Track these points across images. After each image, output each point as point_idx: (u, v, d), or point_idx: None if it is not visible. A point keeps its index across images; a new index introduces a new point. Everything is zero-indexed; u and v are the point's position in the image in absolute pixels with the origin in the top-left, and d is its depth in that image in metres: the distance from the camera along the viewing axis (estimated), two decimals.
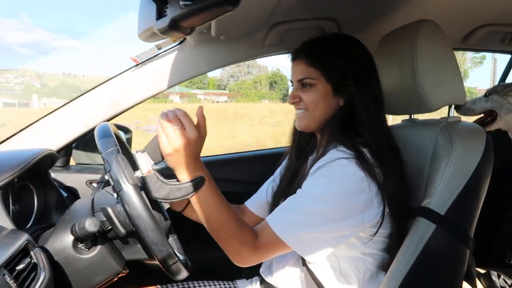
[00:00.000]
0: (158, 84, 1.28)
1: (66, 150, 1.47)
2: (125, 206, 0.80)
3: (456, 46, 1.57)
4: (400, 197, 0.95)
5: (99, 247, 0.91)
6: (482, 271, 1.75)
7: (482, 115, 1.72)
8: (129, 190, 0.80)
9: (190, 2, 0.52)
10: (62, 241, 0.90)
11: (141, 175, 0.85)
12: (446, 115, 1.10)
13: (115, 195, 0.83)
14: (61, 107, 1.34)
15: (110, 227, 0.87)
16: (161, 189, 0.84)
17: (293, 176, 1.12)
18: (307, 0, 1.09)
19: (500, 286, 1.70)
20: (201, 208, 0.88)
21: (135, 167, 0.87)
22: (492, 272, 1.76)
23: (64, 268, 0.89)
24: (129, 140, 1.66)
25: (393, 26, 1.15)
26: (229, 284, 1.25)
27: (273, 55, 1.40)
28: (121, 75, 1.31)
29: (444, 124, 1.05)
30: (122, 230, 0.87)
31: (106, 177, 0.85)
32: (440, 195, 0.94)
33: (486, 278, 1.75)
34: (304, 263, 1.01)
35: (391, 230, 0.97)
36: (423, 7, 1.20)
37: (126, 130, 1.67)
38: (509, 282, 1.73)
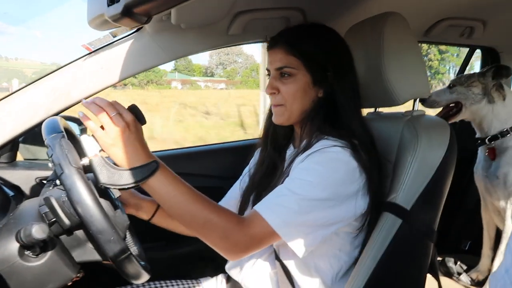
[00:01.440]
0: (113, 75, 1.19)
1: (13, 145, 1.35)
2: (67, 191, 0.72)
3: (419, 39, 1.59)
4: (379, 190, 0.95)
5: (49, 252, 0.83)
6: (439, 258, 1.82)
7: (447, 106, 1.76)
8: (71, 172, 0.73)
9: None
10: (6, 249, 0.81)
11: (87, 161, 0.77)
12: (411, 108, 1.11)
13: (57, 181, 0.76)
14: (5, 97, 1.22)
15: (54, 219, 0.79)
16: (110, 174, 0.76)
17: (268, 170, 1.08)
18: None
19: (457, 272, 1.77)
20: (162, 197, 0.80)
21: (81, 152, 0.80)
22: (448, 258, 1.83)
23: (9, 279, 0.80)
24: (83, 131, 1.56)
25: (359, 18, 1.14)
26: (193, 283, 1.20)
27: (237, 44, 1.35)
28: (73, 63, 1.20)
29: (409, 118, 1.05)
30: (67, 221, 0.79)
31: (50, 165, 0.78)
32: (407, 190, 0.94)
33: (443, 265, 1.82)
34: (278, 258, 0.98)
35: (365, 223, 0.95)
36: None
37: (80, 122, 1.56)
38: (464, 267, 1.81)
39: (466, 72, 1.91)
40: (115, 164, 0.78)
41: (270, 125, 1.09)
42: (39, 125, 1.20)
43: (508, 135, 1.59)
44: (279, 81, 0.98)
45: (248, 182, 1.13)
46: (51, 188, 0.94)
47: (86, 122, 0.80)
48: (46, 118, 1.18)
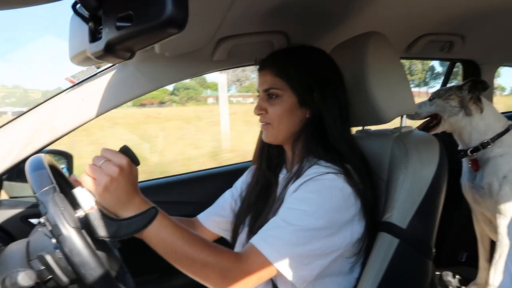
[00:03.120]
0: (99, 106, 1.17)
1: None
2: (67, 253, 0.70)
3: (400, 55, 1.61)
4: (375, 210, 0.95)
5: None
6: (437, 272, 1.80)
7: (428, 118, 1.79)
8: (70, 234, 0.70)
9: (128, 23, 0.45)
10: None
11: (83, 214, 0.74)
12: (398, 124, 1.12)
13: (53, 240, 0.73)
14: None
15: (50, 276, 0.76)
16: (108, 226, 0.73)
17: (263, 190, 1.07)
18: (254, 13, 1.05)
19: (456, 286, 1.75)
20: (160, 244, 0.77)
21: (75, 203, 0.77)
22: (446, 272, 1.81)
23: None
24: (70, 163, 1.52)
25: (341, 38, 1.16)
26: None
27: (223, 69, 1.35)
28: (56, 97, 1.18)
29: (397, 134, 1.06)
30: (65, 279, 0.76)
31: (42, 220, 0.74)
32: (401, 208, 0.93)
33: (441, 280, 1.80)
34: (275, 286, 0.95)
35: (362, 247, 0.94)
36: (369, 18, 1.21)
37: (66, 155, 1.53)
38: (462, 280, 1.79)
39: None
40: (111, 213, 0.75)
41: (264, 144, 1.09)
42: (23, 161, 1.17)
43: (489, 146, 1.61)
44: (267, 102, 0.99)
45: (243, 203, 1.12)
46: (38, 229, 0.90)
47: (81, 177, 0.76)
48: (31, 155, 1.15)
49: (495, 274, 1.55)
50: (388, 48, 1.05)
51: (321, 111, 0.97)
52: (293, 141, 1.00)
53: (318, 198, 0.86)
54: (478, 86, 1.64)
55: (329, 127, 0.96)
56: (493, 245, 1.70)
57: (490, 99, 1.82)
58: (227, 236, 1.17)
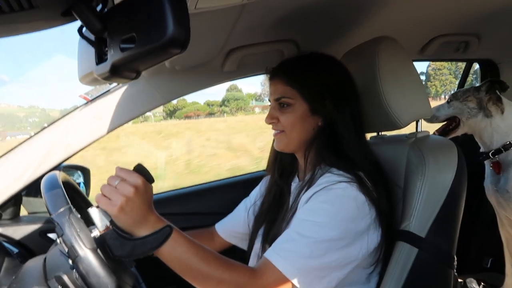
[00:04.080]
0: (112, 121, 1.19)
1: (15, 199, 1.33)
2: (84, 274, 0.71)
3: (413, 58, 1.59)
4: (391, 218, 0.93)
5: None
6: (460, 280, 1.74)
7: (446, 122, 1.75)
8: (87, 255, 0.71)
9: (132, 45, 0.45)
10: None
11: (98, 234, 0.75)
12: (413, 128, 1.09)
13: (70, 261, 0.73)
14: (5, 153, 1.22)
15: None
16: (124, 246, 0.73)
17: (275, 198, 1.07)
18: (262, 23, 1.05)
19: None
20: (175, 261, 0.77)
21: (90, 222, 0.78)
22: (470, 279, 1.76)
23: None
24: (87, 177, 1.54)
25: (352, 44, 1.14)
26: None
27: (234, 80, 1.35)
28: (71, 114, 1.20)
29: (413, 140, 1.03)
30: None
31: (59, 241, 0.75)
32: (419, 216, 0.91)
33: (465, 287, 1.75)
34: None
35: (380, 257, 0.92)
36: (380, 23, 1.19)
37: (83, 169, 1.55)
38: (488, 287, 1.73)
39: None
40: (126, 233, 0.75)
41: (276, 153, 1.09)
42: (41, 178, 1.19)
43: None
44: (278, 111, 0.99)
45: (257, 212, 1.11)
46: (57, 247, 0.91)
47: (96, 197, 0.77)
48: (48, 171, 1.17)
49: None
50: (399, 52, 1.03)
51: (333, 119, 0.95)
52: (305, 149, 0.99)
53: (331, 208, 0.84)
54: (496, 86, 1.60)
55: (342, 135, 0.94)
56: None
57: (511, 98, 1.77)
58: (243, 246, 1.17)
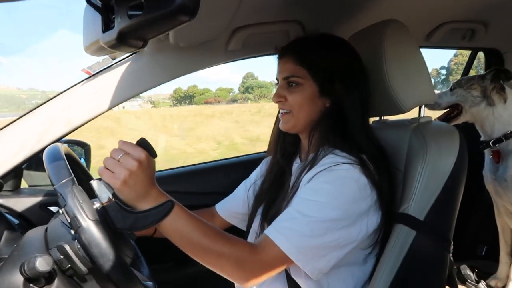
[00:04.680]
0: (115, 96, 1.18)
1: (16, 172, 1.34)
2: (86, 245, 0.71)
3: (419, 44, 1.57)
4: (391, 202, 0.93)
5: (55, 283, 0.81)
6: (454, 266, 1.77)
7: (448, 109, 1.75)
8: (89, 226, 0.72)
9: (139, 12, 0.44)
10: (10, 283, 0.78)
11: (100, 205, 0.75)
12: (415, 114, 1.09)
13: (72, 231, 0.74)
14: (6, 125, 1.21)
15: (68, 265, 0.78)
16: (126, 219, 0.74)
17: (276, 178, 1.07)
18: (269, 2, 1.04)
19: (475, 280, 1.72)
20: (176, 235, 0.78)
21: (92, 192, 0.78)
22: (464, 266, 1.78)
23: None
24: (87, 153, 1.55)
25: (358, 27, 1.13)
26: None
27: (238, 60, 1.34)
28: (72, 88, 1.20)
29: (416, 125, 1.03)
30: (84, 269, 0.77)
31: (61, 211, 0.76)
32: (418, 199, 0.91)
33: (459, 273, 1.77)
34: (289, 277, 0.95)
35: (378, 239, 0.93)
36: (387, 6, 1.18)
37: (83, 145, 1.55)
38: (481, 275, 1.76)
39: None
40: (128, 206, 0.76)
41: (279, 133, 1.08)
42: (41, 151, 1.19)
43: None
44: (286, 90, 0.98)
45: (257, 192, 1.12)
46: (58, 218, 0.92)
47: (99, 170, 0.77)
48: (48, 144, 1.17)
49: None
50: (406, 37, 1.02)
51: (342, 101, 0.95)
52: (310, 130, 0.99)
53: (333, 189, 0.84)
54: (501, 75, 1.59)
55: (349, 117, 0.94)
56: None
57: None
58: (243, 226, 1.18)
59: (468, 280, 1.73)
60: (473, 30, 1.52)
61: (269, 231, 0.84)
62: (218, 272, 0.81)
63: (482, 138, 1.70)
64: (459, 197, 0.96)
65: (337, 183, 0.85)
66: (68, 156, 1.00)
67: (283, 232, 0.82)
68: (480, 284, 1.70)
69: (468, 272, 1.75)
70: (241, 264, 0.79)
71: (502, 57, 1.82)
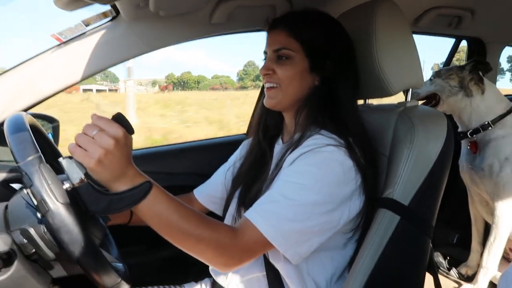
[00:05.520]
0: (88, 67, 1.10)
1: None
2: (55, 230, 0.65)
3: None
4: (375, 187, 0.91)
5: (15, 265, 0.74)
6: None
7: (424, 100, 1.75)
8: (59, 210, 0.65)
9: None
10: None
11: (71, 187, 0.68)
12: (398, 100, 1.07)
13: (39, 214, 0.67)
14: None
15: (33, 250, 0.71)
16: (99, 201, 0.67)
17: (256, 159, 1.04)
18: None
19: (447, 268, 1.75)
20: (154, 218, 0.72)
21: (60, 170, 0.71)
22: (437, 253, 1.81)
23: None
24: (56, 131, 1.45)
25: (348, 5, 1.09)
26: None
27: (221, 34, 1.27)
28: (40, 55, 1.10)
29: (402, 109, 1.01)
30: (51, 254, 0.71)
31: (26, 191, 0.69)
32: (404, 185, 0.89)
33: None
34: (267, 262, 0.92)
35: (360, 223, 0.91)
36: None
37: (51, 120, 1.45)
38: (453, 261, 1.79)
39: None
40: (102, 187, 0.69)
41: (262, 113, 1.05)
42: (3, 124, 1.10)
43: (490, 128, 1.58)
44: (276, 63, 0.94)
45: (236, 174, 1.09)
46: (21, 197, 0.84)
47: (69, 146, 0.69)
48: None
49: (489, 256, 1.54)
50: (398, 17, 0.99)
51: (332, 80, 0.92)
52: (297, 109, 0.95)
53: (317, 171, 0.81)
54: (479, 67, 1.60)
55: (339, 97, 0.92)
56: (486, 228, 1.70)
57: (493, 80, 1.78)
58: (221, 212, 1.14)
59: (440, 267, 1.76)
60: (460, 18, 1.51)
61: (250, 214, 0.80)
62: (197, 257, 0.77)
63: (460, 129, 1.72)
64: (443, 183, 0.95)
65: (321, 165, 0.82)
66: (34, 128, 0.92)
67: (264, 215, 0.79)
68: (451, 271, 1.73)
69: (441, 259, 1.78)
70: (221, 249, 0.75)
71: (485, 47, 1.83)
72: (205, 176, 1.21)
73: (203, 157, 1.56)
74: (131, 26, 1.10)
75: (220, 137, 1.75)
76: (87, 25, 1.09)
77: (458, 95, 1.64)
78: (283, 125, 1.05)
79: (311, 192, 0.80)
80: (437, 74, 1.72)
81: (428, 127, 0.92)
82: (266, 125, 1.06)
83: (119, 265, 0.85)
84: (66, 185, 0.68)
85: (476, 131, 1.62)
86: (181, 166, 1.52)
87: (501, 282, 0.51)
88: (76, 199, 0.68)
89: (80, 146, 0.67)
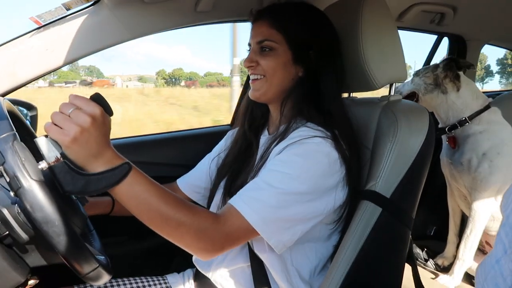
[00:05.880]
0: (67, 53, 1.06)
1: None
2: (28, 208, 0.62)
3: None
4: (358, 179, 0.92)
5: None
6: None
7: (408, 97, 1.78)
8: (32, 187, 0.62)
9: None
10: None
11: (47, 166, 0.66)
12: (382, 94, 1.08)
13: (12, 193, 0.65)
14: None
15: (6, 232, 0.69)
16: (76, 181, 0.65)
17: (241, 150, 1.04)
18: None
19: (424, 259, 1.80)
20: (132, 200, 0.70)
21: (38, 154, 0.69)
22: (414, 245, 1.85)
23: None
24: (34, 119, 1.40)
25: None
26: (158, 280, 1.12)
27: (206, 23, 1.25)
28: (18, 39, 1.06)
29: (386, 103, 1.02)
30: (24, 236, 0.69)
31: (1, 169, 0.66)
32: (386, 177, 0.91)
33: None
34: (252, 252, 0.92)
35: (343, 215, 0.92)
36: None
37: (29, 107, 1.40)
38: (430, 253, 1.84)
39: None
40: (79, 167, 0.67)
41: (248, 104, 1.05)
42: None
43: (467, 124, 1.62)
44: (259, 54, 0.94)
45: (221, 164, 1.08)
46: None
47: (45, 125, 0.67)
48: None
49: (465, 248, 1.59)
50: (384, 11, 1.00)
51: (316, 71, 0.93)
52: (282, 100, 0.95)
53: (303, 161, 0.82)
54: (452, 64, 1.64)
55: (323, 89, 0.92)
56: (463, 221, 1.75)
57: (473, 77, 1.82)
58: (205, 203, 1.13)
59: (418, 259, 1.80)
60: (442, 14, 1.54)
61: (234, 200, 0.80)
62: (176, 243, 0.75)
63: (440, 125, 1.76)
64: (424, 176, 0.97)
65: (307, 156, 0.82)
66: (11, 113, 0.89)
67: (249, 202, 0.78)
68: (428, 262, 1.78)
69: (418, 251, 1.82)
70: (202, 234, 0.74)
71: (466, 45, 1.87)
72: (189, 166, 1.20)
73: (188, 147, 1.54)
74: (113, 11, 1.06)
75: (205, 128, 1.73)
76: (68, 9, 1.05)
77: (434, 92, 1.69)
78: (268, 116, 1.05)
79: (296, 182, 0.80)
80: (416, 74, 1.77)
81: (410, 121, 0.94)
82: (252, 116, 1.06)
83: (101, 257, 0.83)
84: (42, 165, 0.66)
85: (454, 127, 1.66)
86: (165, 156, 1.50)
87: (479, 272, 0.52)
88: (52, 179, 0.65)
89: (56, 125, 0.65)
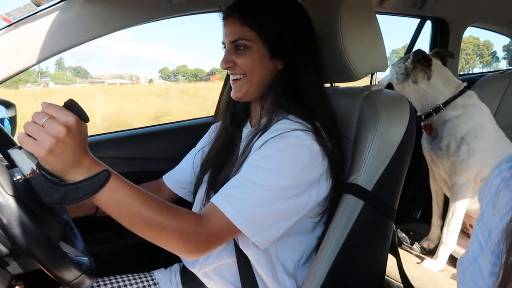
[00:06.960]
0: (41, 51, 1.02)
1: None
2: (5, 225, 0.61)
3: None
4: (341, 171, 0.92)
5: None
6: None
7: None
8: (9, 203, 0.61)
9: None
10: None
11: (22, 178, 0.64)
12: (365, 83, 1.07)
13: None
14: None
15: None
16: (54, 192, 0.64)
17: (224, 144, 1.03)
18: None
19: (410, 242, 1.82)
20: (113, 207, 0.69)
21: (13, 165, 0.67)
22: (399, 230, 1.88)
23: None
24: (13, 119, 1.37)
25: None
26: (145, 276, 1.12)
27: (183, 15, 1.22)
28: None
29: (367, 93, 1.01)
30: (4, 249, 0.67)
31: None
32: (368, 170, 0.91)
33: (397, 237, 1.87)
34: (237, 247, 0.92)
35: (327, 207, 0.92)
36: None
37: (7, 104, 1.36)
38: (416, 236, 1.87)
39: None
40: (56, 177, 0.65)
41: (229, 99, 1.03)
42: None
43: (442, 110, 1.64)
44: (235, 54, 0.92)
45: (204, 158, 1.07)
46: None
47: (19, 135, 0.65)
48: None
49: (448, 232, 1.61)
50: (364, 0, 0.98)
51: (294, 63, 0.91)
52: (262, 95, 0.94)
53: (284, 156, 0.81)
54: (419, 57, 1.67)
55: (302, 81, 0.91)
56: (446, 203, 1.77)
57: (456, 61, 1.83)
58: (190, 198, 1.13)
59: (404, 242, 1.83)
60: None
61: (216, 199, 0.79)
62: (162, 246, 0.75)
63: (418, 113, 1.77)
64: (405, 168, 0.97)
65: (288, 150, 0.82)
66: None
67: (230, 201, 0.78)
68: (414, 245, 1.81)
69: (404, 235, 1.85)
70: (186, 237, 0.74)
71: (448, 28, 1.86)
72: (173, 160, 1.19)
73: (171, 140, 1.52)
74: (86, 7, 1.02)
75: (188, 120, 1.71)
76: (38, 5, 1.01)
77: (405, 82, 1.72)
78: (251, 109, 1.04)
79: (277, 177, 0.79)
80: (392, 64, 1.81)
81: (391, 113, 0.93)
82: (234, 111, 1.05)
83: (84, 259, 0.82)
84: (18, 177, 0.65)
85: (429, 114, 1.68)
86: (149, 151, 1.47)
87: (458, 266, 0.52)
88: (29, 191, 0.64)
89: (30, 136, 0.64)
